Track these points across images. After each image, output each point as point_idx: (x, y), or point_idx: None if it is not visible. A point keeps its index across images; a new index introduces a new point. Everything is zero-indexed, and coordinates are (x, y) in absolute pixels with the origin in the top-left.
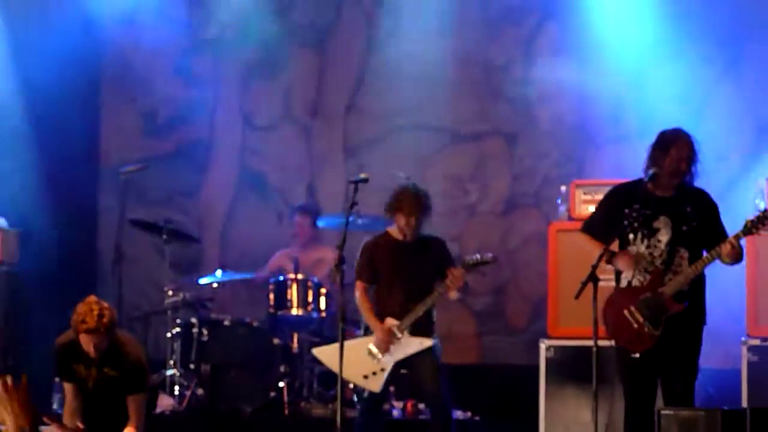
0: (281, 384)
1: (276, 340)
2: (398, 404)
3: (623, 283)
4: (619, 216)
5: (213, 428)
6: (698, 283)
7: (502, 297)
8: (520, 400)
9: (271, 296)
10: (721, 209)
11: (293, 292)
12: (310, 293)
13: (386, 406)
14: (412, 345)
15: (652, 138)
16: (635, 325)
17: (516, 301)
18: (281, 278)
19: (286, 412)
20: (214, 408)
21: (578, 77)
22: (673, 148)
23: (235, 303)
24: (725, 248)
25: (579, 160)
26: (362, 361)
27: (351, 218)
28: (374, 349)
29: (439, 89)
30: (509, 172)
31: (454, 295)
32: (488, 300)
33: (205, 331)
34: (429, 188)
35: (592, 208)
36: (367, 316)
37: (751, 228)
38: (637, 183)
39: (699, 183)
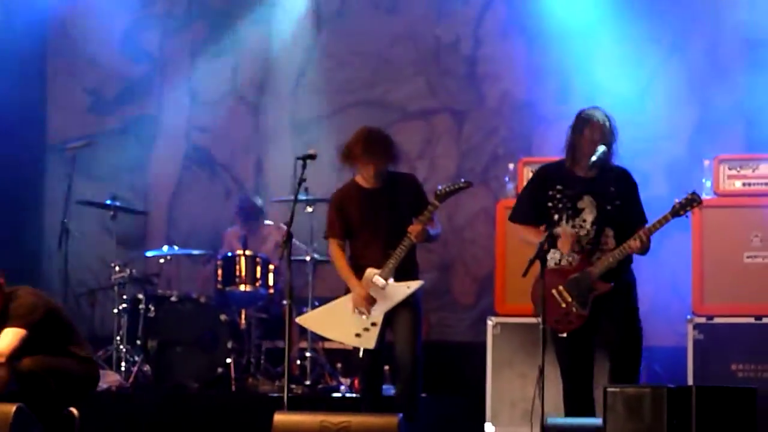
0: (228, 360)
1: (223, 317)
2: (345, 381)
3: (550, 264)
4: (543, 198)
5: (159, 404)
6: (626, 262)
7: (448, 274)
8: (467, 377)
9: (219, 272)
10: (666, 188)
11: (241, 269)
12: (259, 269)
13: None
14: (399, 291)
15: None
16: (563, 305)
17: (463, 278)
18: (229, 254)
19: (233, 388)
20: (161, 384)
21: (526, 55)
22: (587, 129)
23: (182, 279)
24: (634, 244)
25: (526, 137)
26: (351, 319)
27: (301, 194)
28: (359, 305)
29: (388, 67)
30: (457, 150)
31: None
32: (435, 277)
33: (151, 307)
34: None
35: None
36: (343, 274)
37: (678, 210)
38: (560, 164)
39: (644, 160)
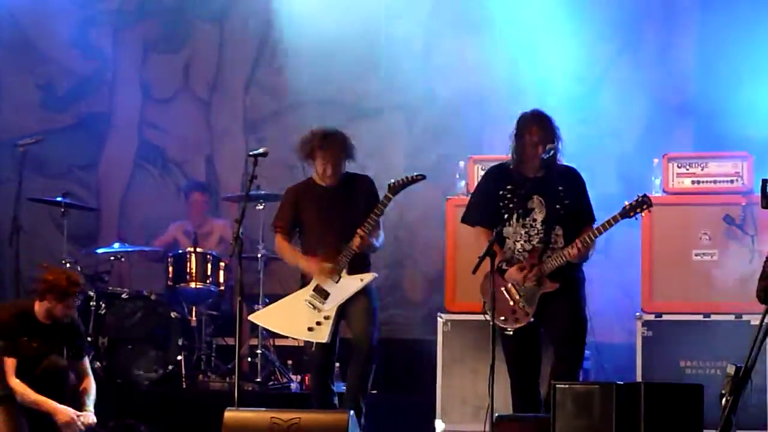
0: (179, 357)
1: (174, 314)
2: (296, 378)
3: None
4: (494, 198)
5: (110, 401)
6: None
7: (399, 271)
8: (417, 374)
9: (170, 269)
10: (617, 186)
11: (192, 266)
12: (209, 266)
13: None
14: (352, 284)
15: (551, 113)
16: (510, 303)
17: (413, 275)
18: (180, 251)
19: (184, 385)
20: (111, 381)
21: (477, 54)
22: (526, 134)
23: (133, 276)
24: (572, 252)
25: (477, 135)
26: (303, 313)
27: (252, 191)
28: (313, 299)
29: (340, 64)
30: (407, 147)
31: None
32: (385, 274)
33: (102, 304)
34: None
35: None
36: (291, 259)
37: (629, 211)
38: (508, 165)
39: (595, 158)
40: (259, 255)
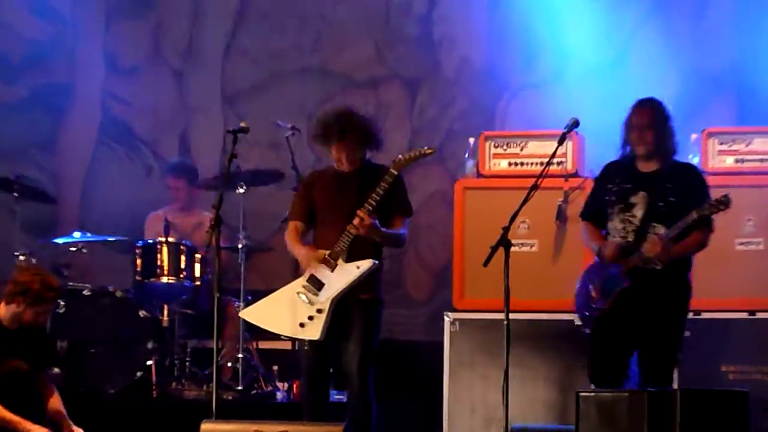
0: (149, 362)
1: (143, 312)
2: (282, 385)
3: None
4: (602, 192)
5: (70, 413)
6: (676, 264)
7: (400, 264)
8: (421, 380)
9: (138, 262)
10: None
11: (163, 258)
12: (183, 259)
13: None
14: (347, 272)
15: (570, 84)
16: (593, 295)
17: (416, 269)
18: (150, 241)
19: (155, 394)
20: (72, 389)
21: (488, 17)
22: (633, 118)
23: (97, 270)
24: (652, 250)
25: (488, 110)
26: (295, 308)
27: (232, 172)
28: (307, 290)
29: (330, 29)
30: (409, 123)
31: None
32: (384, 267)
33: (61, 302)
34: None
35: (504, 164)
36: (289, 246)
37: (707, 214)
38: (628, 158)
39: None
40: (240, 245)
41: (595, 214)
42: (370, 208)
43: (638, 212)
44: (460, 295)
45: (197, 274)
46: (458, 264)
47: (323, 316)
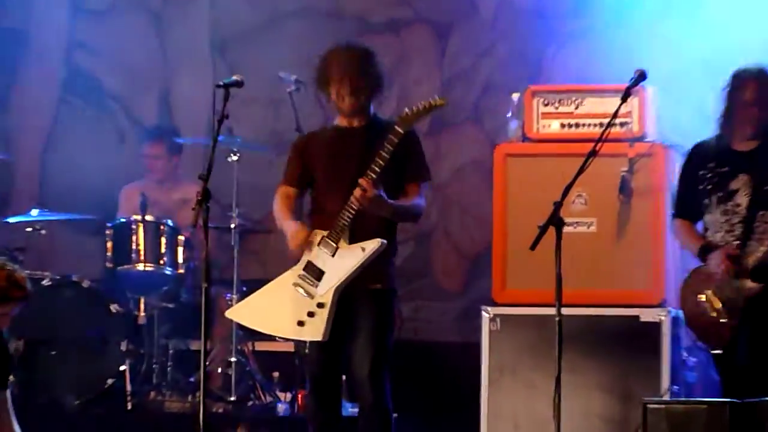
0: (122, 367)
1: (115, 307)
2: (284, 396)
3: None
4: (694, 181)
5: (26, 427)
6: None
7: (427, 248)
8: (454, 390)
9: (109, 245)
10: None
11: (140, 240)
12: (164, 241)
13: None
14: (351, 256)
15: (634, 29)
16: (713, 314)
17: (447, 253)
18: (123, 220)
19: (129, 405)
20: (30, 399)
21: None
22: (738, 91)
23: (59, 255)
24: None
25: (534, 59)
26: (291, 303)
27: (220, 138)
28: (304, 281)
29: None
30: (438, 76)
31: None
32: (408, 252)
33: None
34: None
35: (555, 125)
36: (277, 217)
37: None
38: (717, 137)
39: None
40: (233, 225)
41: (689, 208)
42: (374, 175)
43: (741, 200)
44: (502, 285)
45: (181, 260)
46: (499, 247)
47: (325, 311)
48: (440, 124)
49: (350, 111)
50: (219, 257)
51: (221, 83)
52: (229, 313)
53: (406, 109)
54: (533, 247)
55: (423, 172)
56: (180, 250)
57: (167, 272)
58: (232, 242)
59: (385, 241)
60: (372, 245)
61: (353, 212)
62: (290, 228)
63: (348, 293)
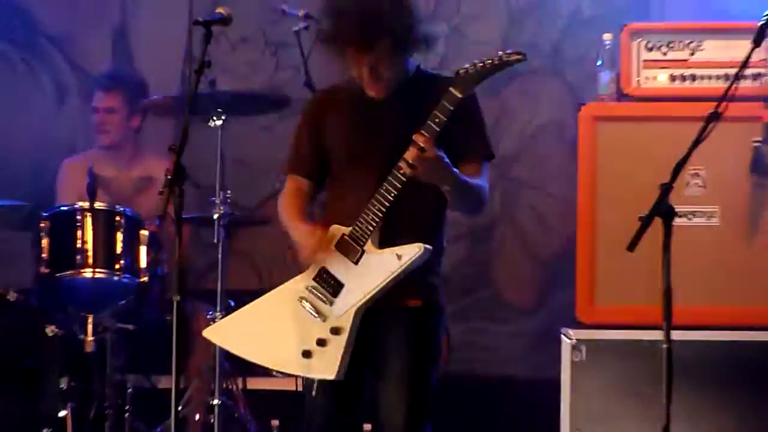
0: (62, 412)
1: (52, 329)
2: None
3: None
4: None
5: None
6: None
7: (487, 248)
8: None
9: (44, 243)
10: None
11: (86, 236)
12: (119, 238)
13: None
14: (382, 265)
15: None
16: None
17: (514, 254)
18: (64, 208)
19: None
20: None
21: None
22: None
23: None
24: None
25: None
26: (294, 325)
27: (199, 94)
28: (314, 295)
29: None
30: (504, 9)
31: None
32: (461, 254)
33: None
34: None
35: (663, 77)
36: (284, 219)
37: None
38: None
39: None
40: (216, 215)
41: None
42: (432, 132)
43: None
44: (589, 299)
45: (144, 263)
46: (584, 247)
47: (342, 339)
48: (507, 72)
49: (375, 90)
50: (197, 260)
51: (200, 19)
52: (208, 333)
53: (467, 66)
54: (632, 246)
55: (484, 147)
56: (142, 249)
57: (125, 280)
58: (215, 239)
59: (429, 247)
60: (411, 251)
61: (392, 197)
62: (301, 231)
63: (374, 312)
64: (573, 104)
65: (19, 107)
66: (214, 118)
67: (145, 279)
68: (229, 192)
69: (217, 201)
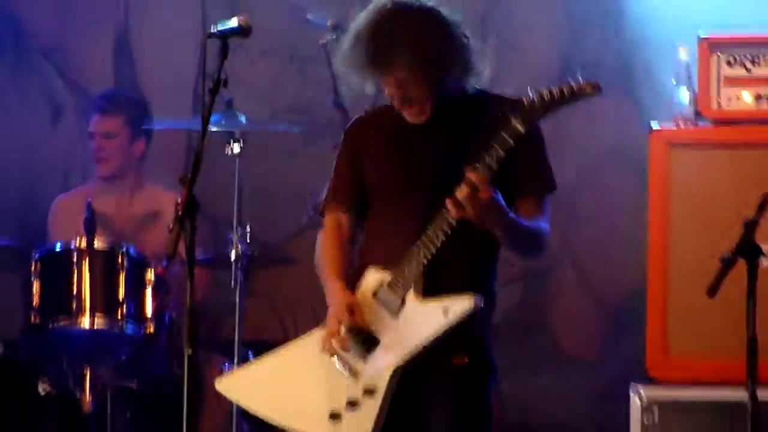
0: None
1: (44, 386)
2: None
3: None
4: None
5: None
6: None
7: (544, 291)
8: None
9: (36, 287)
10: None
11: (83, 280)
12: (122, 281)
13: None
14: (426, 320)
15: None
16: None
17: (575, 299)
18: (58, 248)
19: None
20: None
21: None
22: None
23: None
24: None
25: None
26: (320, 382)
27: (213, 117)
28: (346, 350)
29: None
30: (563, 18)
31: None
32: (514, 299)
33: None
34: None
35: (747, 96)
36: (321, 268)
37: None
38: None
39: None
40: (234, 255)
41: None
42: (488, 168)
43: None
44: (661, 350)
45: (149, 311)
46: (656, 291)
47: (377, 401)
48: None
49: (409, 114)
50: (211, 306)
51: (215, 30)
52: (221, 385)
53: (533, 95)
54: (713, 291)
55: (546, 181)
56: (148, 294)
57: (127, 330)
58: (231, 282)
59: (481, 299)
60: (461, 306)
61: (439, 242)
62: (334, 292)
63: (413, 370)
64: (643, 127)
65: (5, 129)
66: (231, 143)
67: (151, 328)
68: (247, 228)
69: (234, 238)
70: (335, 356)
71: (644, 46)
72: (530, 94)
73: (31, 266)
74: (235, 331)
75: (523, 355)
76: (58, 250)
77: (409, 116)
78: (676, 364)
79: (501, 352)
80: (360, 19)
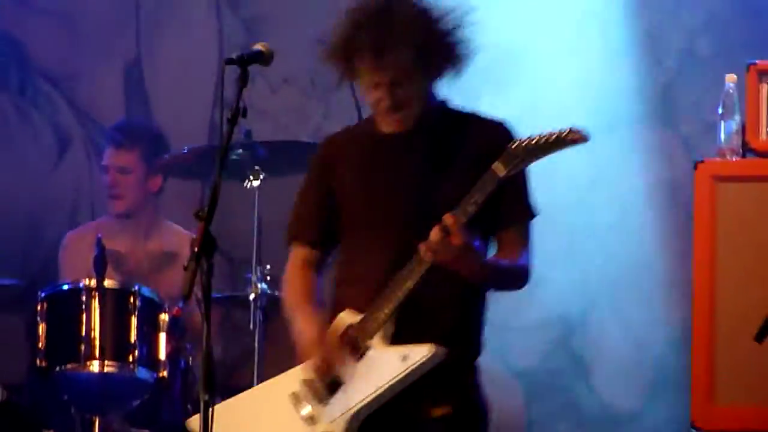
0: None
1: None
2: None
3: None
4: None
5: None
6: None
7: (582, 337)
8: None
9: (41, 329)
10: None
11: (93, 321)
12: (134, 323)
13: None
14: (383, 366)
15: None
16: None
17: (613, 346)
18: (65, 287)
19: None
20: None
21: None
22: None
23: None
24: None
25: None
26: (279, 425)
27: (233, 149)
28: (307, 392)
29: None
30: (601, 44)
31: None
32: (550, 343)
33: None
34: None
35: None
36: (291, 306)
37: None
38: None
39: None
40: (252, 296)
41: None
42: (467, 216)
43: None
44: (707, 400)
45: (163, 355)
46: (701, 336)
47: None
48: (601, 125)
49: (393, 120)
50: (230, 350)
51: (234, 56)
52: (190, 424)
53: (520, 139)
54: (760, 337)
55: (526, 209)
56: (162, 337)
57: (140, 375)
58: (251, 324)
59: (444, 350)
60: (419, 353)
61: (411, 284)
62: (303, 329)
63: (389, 422)
64: (687, 160)
65: (11, 162)
66: (251, 177)
67: (165, 373)
68: (268, 267)
69: (254, 278)
70: (297, 398)
71: (689, 73)
72: (517, 139)
73: (36, 306)
74: (254, 375)
75: (558, 405)
76: (65, 289)
77: (392, 123)
78: (723, 413)
79: (535, 402)
80: (357, 7)
